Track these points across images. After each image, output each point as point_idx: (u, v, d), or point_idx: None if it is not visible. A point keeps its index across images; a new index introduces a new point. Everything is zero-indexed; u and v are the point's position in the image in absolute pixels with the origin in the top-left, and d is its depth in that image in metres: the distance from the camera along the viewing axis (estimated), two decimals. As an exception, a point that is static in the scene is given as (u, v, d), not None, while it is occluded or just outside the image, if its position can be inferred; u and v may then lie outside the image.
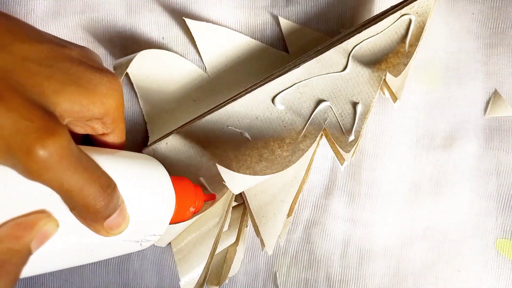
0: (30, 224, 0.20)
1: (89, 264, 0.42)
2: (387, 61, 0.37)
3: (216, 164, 0.30)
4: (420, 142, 0.42)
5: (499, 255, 0.42)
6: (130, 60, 0.38)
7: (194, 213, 0.31)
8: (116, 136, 0.28)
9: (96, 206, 0.22)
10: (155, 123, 0.41)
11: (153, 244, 0.42)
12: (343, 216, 0.42)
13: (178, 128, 0.38)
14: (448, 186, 0.42)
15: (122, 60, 0.39)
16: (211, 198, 0.33)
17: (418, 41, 0.37)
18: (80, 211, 0.22)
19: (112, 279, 0.42)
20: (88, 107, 0.24)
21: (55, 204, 0.21)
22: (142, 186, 0.26)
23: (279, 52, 0.42)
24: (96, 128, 0.27)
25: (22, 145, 0.19)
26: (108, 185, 0.22)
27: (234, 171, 0.34)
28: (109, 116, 0.26)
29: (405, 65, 0.36)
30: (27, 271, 0.21)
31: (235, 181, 0.33)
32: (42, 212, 0.21)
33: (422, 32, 0.37)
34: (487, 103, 0.42)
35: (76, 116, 0.24)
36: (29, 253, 0.20)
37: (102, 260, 0.42)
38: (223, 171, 0.30)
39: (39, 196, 0.21)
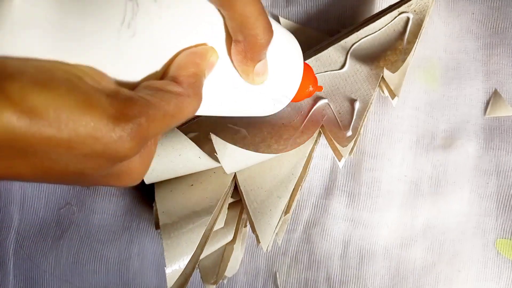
0: (203, 53, 0.22)
1: (89, 264, 0.42)
2: (385, 58, 0.37)
3: (211, 133, 0.31)
4: (420, 142, 0.42)
5: (499, 255, 0.41)
6: None
7: (308, 96, 0.34)
8: None
9: (261, 40, 0.23)
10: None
11: (153, 244, 0.42)
12: (343, 216, 0.42)
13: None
14: (448, 186, 0.42)
15: None
16: (319, 89, 0.36)
17: (416, 38, 0.37)
18: (248, 41, 0.23)
19: (112, 279, 0.42)
20: None
21: (217, 40, 0.23)
22: (283, 49, 0.29)
23: (279, 52, 0.42)
24: None
25: None
26: (271, 25, 0.24)
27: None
28: None
29: (403, 61, 0.36)
30: None
31: (226, 152, 0.33)
32: (206, 45, 0.23)
33: (420, 29, 0.37)
34: (487, 103, 0.42)
35: None
36: (204, 78, 0.22)
37: (102, 260, 0.42)
38: (216, 141, 0.31)
39: (205, 28, 0.22)
